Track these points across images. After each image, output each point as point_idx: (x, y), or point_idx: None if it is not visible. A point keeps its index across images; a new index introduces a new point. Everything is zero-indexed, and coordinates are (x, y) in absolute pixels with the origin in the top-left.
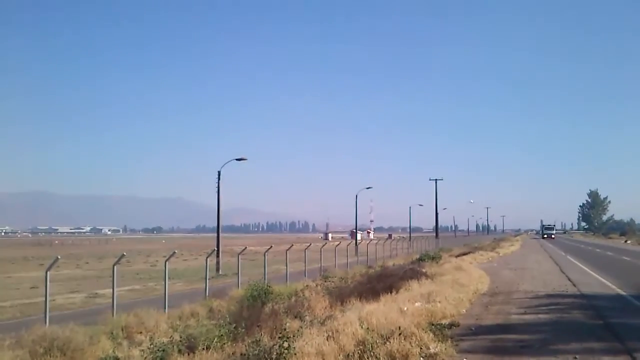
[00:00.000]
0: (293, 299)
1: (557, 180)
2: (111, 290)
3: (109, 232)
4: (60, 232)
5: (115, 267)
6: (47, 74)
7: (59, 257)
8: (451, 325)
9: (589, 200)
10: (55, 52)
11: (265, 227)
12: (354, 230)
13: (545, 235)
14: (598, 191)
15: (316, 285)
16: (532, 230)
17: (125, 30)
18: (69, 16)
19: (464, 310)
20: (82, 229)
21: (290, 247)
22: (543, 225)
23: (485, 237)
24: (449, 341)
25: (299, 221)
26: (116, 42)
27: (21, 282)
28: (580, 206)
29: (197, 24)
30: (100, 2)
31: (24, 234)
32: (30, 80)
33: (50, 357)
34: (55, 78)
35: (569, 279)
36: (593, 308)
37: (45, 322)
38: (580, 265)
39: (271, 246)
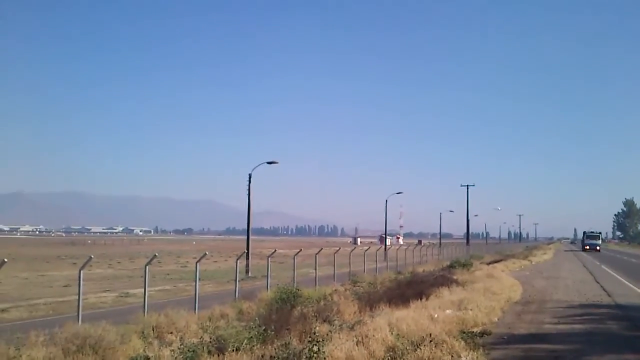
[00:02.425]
0: (322, 302)
1: (591, 189)
2: (142, 290)
3: (141, 233)
4: (93, 232)
5: (147, 267)
6: (80, 75)
7: (92, 256)
8: (483, 334)
9: (625, 209)
10: (90, 53)
11: (294, 231)
12: (383, 235)
13: (588, 247)
14: (634, 200)
15: (345, 290)
16: (566, 239)
17: (159, 29)
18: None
19: (496, 319)
20: (115, 229)
21: (320, 251)
22: (584, 234)
23: (517, 245)
24: (481, 350)
25: (327, 225)
26: (152, 42)
27: (55, 281)
28: (615, 215)
29: (231, 28)
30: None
31: (58, 233)
32: (64, 81)
33: (82, 355)
34: (88, 79)
35: (604, 289)
36: (629, 319)
37: (78, 320)
38: (615, 275)
39: (300, 249)
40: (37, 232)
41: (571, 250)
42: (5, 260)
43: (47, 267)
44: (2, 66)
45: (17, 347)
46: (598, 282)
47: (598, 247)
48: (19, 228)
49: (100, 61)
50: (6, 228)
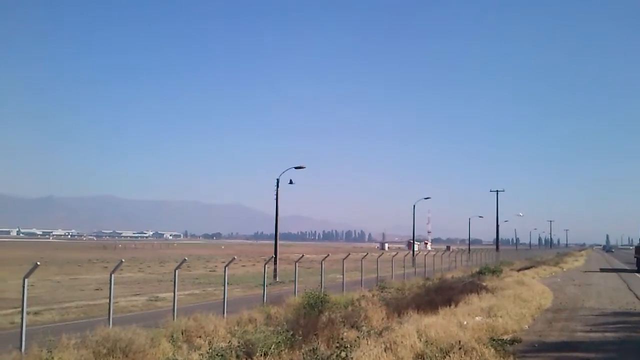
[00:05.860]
0: (349, 308)
1: (623, 195)
2: (172, 294)
3: (170, 237)
4: (124, 236)
5: (176, 271)
6: (111, 81)
7: (123, 260)
8: (513, 341)
9: None
10: (118, 56)
11: (321, 236)
12: (411, 241)
13: None
14: None
15: (373, 296)
16: (597, 245)
17: (181, 31)
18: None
19: (527, 326)
20: (145, 233)
21: (347, 256)
22: None
23: (548, 251)
24: (511, 357)
25: (355, 230)
26: (183, 43)
27: (86, 284)
28: None
29: (262, 29)
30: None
31: (89, 237)
32: (94, 86)
33: (113, 358)
34: (118, 83)
35: (637, 297)
36: None
37: (109, 324)
38: None
39: (328, 255)
40: (69, 236)
41: (614, 270)
42: (38, 263)
43: (79, 271)
44: (32, 71)
45: (49, 350)
46: (631, 290)
47: None
48: (51, 232)
49: (130, 65)
50: (39, 232)
